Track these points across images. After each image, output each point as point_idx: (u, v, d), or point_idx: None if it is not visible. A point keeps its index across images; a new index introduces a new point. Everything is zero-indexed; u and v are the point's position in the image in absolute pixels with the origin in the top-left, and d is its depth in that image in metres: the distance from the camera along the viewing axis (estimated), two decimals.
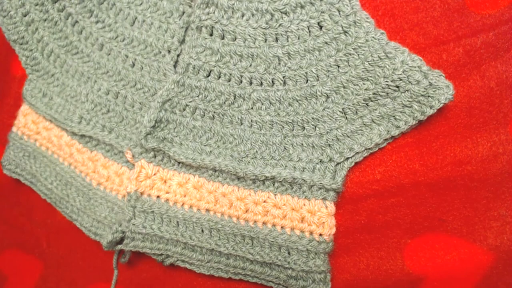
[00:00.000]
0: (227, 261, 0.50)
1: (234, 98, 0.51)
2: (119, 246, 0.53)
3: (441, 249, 0.49)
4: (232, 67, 0.51)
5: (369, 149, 0.48)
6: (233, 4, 0.50)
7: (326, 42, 0.47)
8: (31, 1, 0.57)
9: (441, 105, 0.44)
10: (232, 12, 0.50)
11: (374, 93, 0.46)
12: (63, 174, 0.58)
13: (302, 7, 0.47)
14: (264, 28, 0.49)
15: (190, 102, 0.52)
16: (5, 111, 0.68)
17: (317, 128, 0.48)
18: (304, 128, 0.49)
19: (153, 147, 0.51)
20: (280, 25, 0.48)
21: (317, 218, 0.48)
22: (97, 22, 0.58)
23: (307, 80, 0.48)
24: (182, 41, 0.53)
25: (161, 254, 0.53)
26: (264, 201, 0.49)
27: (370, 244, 0.50)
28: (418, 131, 0.49)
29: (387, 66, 0.44)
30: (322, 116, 0.48)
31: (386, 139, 0.48)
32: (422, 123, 0.48)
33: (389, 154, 0.50)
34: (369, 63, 0.45)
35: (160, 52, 0.54)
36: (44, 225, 0.64)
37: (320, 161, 0.49)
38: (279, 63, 0.49)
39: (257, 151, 0.50)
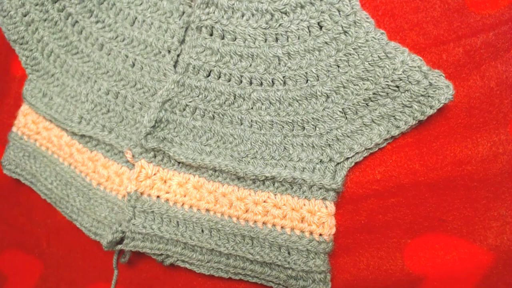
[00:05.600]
0: (227, 261, 0.50)
1: (234, 98, 0.51)
2: (119, 246, 0.53)
3: (441, 249, 0.49)
4: (232, 67, 0.51)
5: (369, 149, 0.48)
6: (233, 4, 0.50)
7: (326, 42, 0.47)
8: (31, 1, 0.57)
9: (441, 105, 0.44)
10: (232, 12, 0.50)
11: (374, 93, 0.46)
12: (63, 174, 0.58)
13: (302, 7, 0.47)
14: (264, 28, 0.49)
15: (190, 102, 0.52)
16: (5, 111, 0.68)
17: (317, 128, 0.48)
18: (304, 128, 0.49)
19: (153, 147, 0.51)
20: (280, 25, 0.48)
21: (317, 218, 0.48)
22: (97, 22, 0.58)
23: (307, 80, 0.48)
24: (182, 41, 0.53)
25: (161, 254, 0.53)
26: (264, 201, 0.49)
27: (370, 244, 0.50)
28: (418, 131, 0.49)
29: (387, 66, 0.44)
30: (322, 116, 0.48)
31: (386, 139, 0.48)
32: (422, 123, 0.48)
33: (389, 154, 0.50)
34: (369, 63, 0.45)
35: (160, 52, 0.54)
36: (44, 225, 0.64)
37: (320, 161, 0.49)
38: (279, 63, 0.49)
39: (257, 151, 0.50)
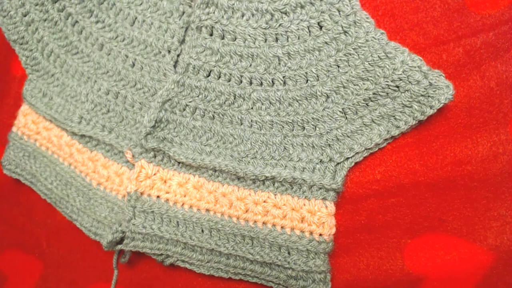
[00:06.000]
0: (227, 261, 0.50)
1: (234, 98, 0.51)
2: (119, 246, 0.53)
3: (441, 249, 0.49)
4: (232, 67, 0.51)
5: (369, 149, 0.48)
6: (233, 4, 0.50)
7: (326, 42, 0.47)
8: (31, 1, 0.57)
9: (441, 105, 0.44)
10: (232, 12, 0.50)
11: (374, 93, 0.46)
12: (63, 174, 0.58)
13: (302, 7, 0.47)
14: (264, 28, 0.49)
15: (190, 102, 0.52)
16: (5, 111, 0.68)
17: (317, 128, 0.48)
18: (304, 128, 0.49)
19: (153, 147, 0.51)
20: (280, 25, 0.48)
21: (317, 218, 0.48)
22: (97, 22, 0.58)
23: (307, 80, 0.48)
24: (182, 41, 0.53)
25: (161, 254, 0.53)
26: (264, 201, 0.49)
27: (370, 244, 0.50)
28: (418, 131, 0.49)
29: (387, 66, 0.44)
30: (322, 116, 0.48)
31: (386, 139, 0.48)
32: (422, 123, 0.48)
33: (389, 154, 0.50)
34: (369, 63, 0.45)
35: (160, 52, 0.54)
36: (44, 225, 0.64)
37: (320, 161, 0.49)
38: (279, 63, 0.49)
39: (257, 151, 0.50)
